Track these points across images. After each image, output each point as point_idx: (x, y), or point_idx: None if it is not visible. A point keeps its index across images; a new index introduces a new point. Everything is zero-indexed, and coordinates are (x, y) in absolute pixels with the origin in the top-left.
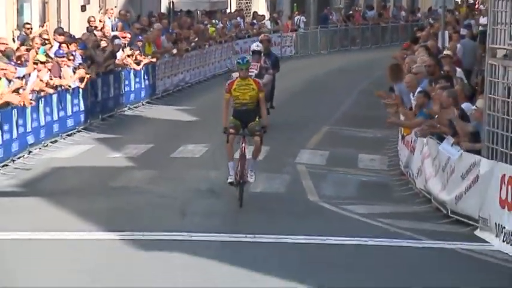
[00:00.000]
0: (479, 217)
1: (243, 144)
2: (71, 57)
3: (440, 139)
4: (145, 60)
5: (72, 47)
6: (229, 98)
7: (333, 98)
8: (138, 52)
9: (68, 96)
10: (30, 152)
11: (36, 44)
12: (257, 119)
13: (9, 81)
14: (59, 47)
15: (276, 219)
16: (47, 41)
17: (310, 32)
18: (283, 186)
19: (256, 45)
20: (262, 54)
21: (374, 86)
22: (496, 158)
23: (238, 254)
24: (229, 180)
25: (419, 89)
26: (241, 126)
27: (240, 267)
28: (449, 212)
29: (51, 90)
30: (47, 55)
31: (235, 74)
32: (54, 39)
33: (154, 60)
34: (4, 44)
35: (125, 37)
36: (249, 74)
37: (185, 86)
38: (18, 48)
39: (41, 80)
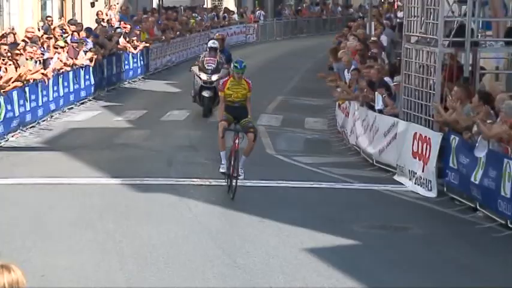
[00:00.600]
0: (397, 165)
1: (237, 141)
2: (84, 43)
3: (370, 107)
4: (141, 45)
5: (83, 34)
6: (222, 96)
7: (285, 74)
8: (135, 39)
9: (81, 73)
10: (52, 116)
11: (57, 32)
12: (249, 116)
13: (36, 61)
14: (72, 35)
15: (245, 174)
16: (64, 30)
17: (268, 23)
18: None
19: (212, 43)
20: (218, 50)
21: (317, 65)
22: (410, 120)
23: (213, 193)
24: (221, 170)
25: (352, 67)
26: (233, 122)
27: (215, 204)
28: (374, 161)
29: (68, 68)
30: (66, 41)
31: (195, 68)
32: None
33: (148, 45)
34: (31, 32)
35: (125, 27)
36: (207, 67)
37: (171, 65)
38: (42, 36)
39: (60, 61)
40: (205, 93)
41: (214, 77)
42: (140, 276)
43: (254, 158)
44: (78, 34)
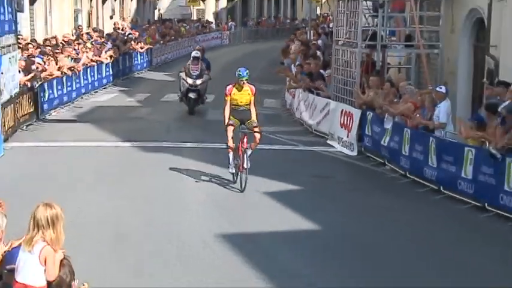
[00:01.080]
0: (329, 133)
1: (244, 140)
2: (105, 45)
3: (310, 91)
4: (146, 47)
5: (104, 39)
6: (228, 100)
7: (249, 67)
8: (142, 42)
9: (103, 67)
10: (82, 97)
11: (85, 37)
12: (251, 118)
13: (72, 59)
14: (96, 39)
15: (216, 135)
16: (91, 36)
17: (237, 31)
18: (220, 118)
19: (195, 53)
20: (199, 59)
21: (272, 61)
22: (338, 101)
23: (200, 152)
24: (230, 170)
25: (297, 62)
26: (239, 124)
27: (201, 161)
28: (313, 130)
29: (93, 63)
30: (92, 44)
31: (182, 74)
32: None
33: (151, 46)
34: (67, 37)
35: (135, 33)
36: (193, 73)
37: (169, 61)
38: (74, 40)
39: (88, 58)
40: (191, 95)
41: (199, 81)
42: (149, 212)
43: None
44: (101, 38)
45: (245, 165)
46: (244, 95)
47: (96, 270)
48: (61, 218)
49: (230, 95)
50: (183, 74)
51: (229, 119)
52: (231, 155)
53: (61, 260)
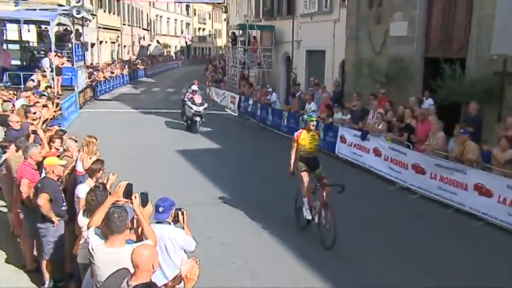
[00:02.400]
0: (225, 105)
1: (324, 194)
2: (124, 66)
3: (218, 83)
4: (143, 66)
5: (124, 63)
6: (296, 146)
7: (188, 79)
8: (142, 65)
9: (124, 75)
10: (114, 89)
11: (116, 62)
12: (320, 167)
13: (111, 73)
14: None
15: (175, 106)
16: (119, 60)
17: (185, 60)
18: (178, 98)
19: (195, 87)
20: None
21: (200, 74)
22: (229, 91)
23: (166, 114)
24: (306, 216)
25: (210, 74)
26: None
27: (166, 117)
28: (218, 104)
29: (120, 73)
30: (118, 65)
31: (188, 102)
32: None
33: (146, 67)
34: (107, 63)
35: (138, 61)
36: (197, 102)
37: (154, 74)
38: (111, 63)
39: (118, 72)
40: (197, 119)
41: (201, 108)
42: (144, 139)
43: (179, 103)
44: (122, 63)
45: (330, 220)
46: (313, 141)
47: (115, 167)
48: (94, 143)
49: (298, 140)
50: (189, 103)
51: (296, 165)
52: (305, 200)
53: (96, 160)
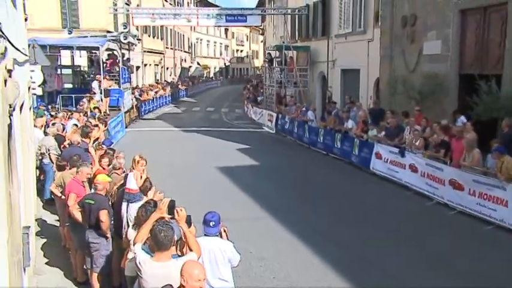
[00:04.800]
0: (263, 123)
1: None
2: (167, 87)
3: (256, 102)
4: (185, 87)
5: (167, 84)
6: None
7: (228, 96)
8: (184, 85)
9: (167, 96)
10: (158, 109)
11: (160, 84)
12: None
13: (155, 92)
14: (165, 84)
15: (215, 124)
16: (163, 82)
17: (224, 80)
18: (218, 117)
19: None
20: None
21: (239, 93)
22: (266, 109)
23: (206, 132)
24: None
25: (248, 95)
26: None
27: (206, 135)
28: (255, 121)
29: (163, 94)
30: (162, 86)
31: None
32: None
33: (187, 87)
34: (151, 84)
35: (179, 82)
36: None
37: (195, 93)
38: (154, 85)
39: (162, 92)
40: None
41: None
42: (185, 156)
43: (219, 121)
44: (165, 84)
45: None
46: None
47: (157, 183)
48: (139, 162)
49: None
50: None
51: None
52: None
53: (146, 178)
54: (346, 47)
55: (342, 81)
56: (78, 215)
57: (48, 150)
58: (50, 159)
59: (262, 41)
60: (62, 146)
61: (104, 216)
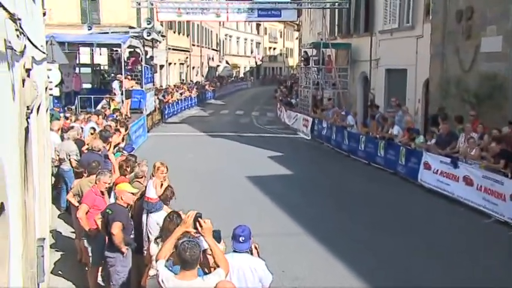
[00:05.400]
0: (297, 128)
1: None
2: (193, 88)
3: (290, 105)
4: (212, 88)
5: (193, 85)
6: None
7: (259, 98)
8: (211, 86)
9: (193, 98)
10: (183, 111)
11: (185, 84)
12: None
13: (181, 94)
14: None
15: (245, 129)
16: (189, 83)
17: (254, 81)
18: (248, 121)
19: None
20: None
21: (270, 95)
22: (302, 113)
23: (235, 137)
24: None
25: (280, 97)
26: None
27: (235, 141)
28: (289, 126)
29: (188, 95)
30: (187, 87)
31: None
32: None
33: (214, 88)
34: (176, 84)
35: (207, 83)
36: None
37: (223, 95)
38: (179, 85)
39: (187, 93)
40: None
41: None
42: (210, 161)
43: (249, 126)
44: (190, 85)
45: None
46: None
47: (181, 192)
48: (159, 169)
49: None
50: None
51: None
52: None
53: (167, 186)
54: (392, 45)
55: (386, 82)
56: (84, 224)
57: (69, 155)
58: (71, 165)
59: (297, 38)
60: (80, 151)
61: (116, 228)
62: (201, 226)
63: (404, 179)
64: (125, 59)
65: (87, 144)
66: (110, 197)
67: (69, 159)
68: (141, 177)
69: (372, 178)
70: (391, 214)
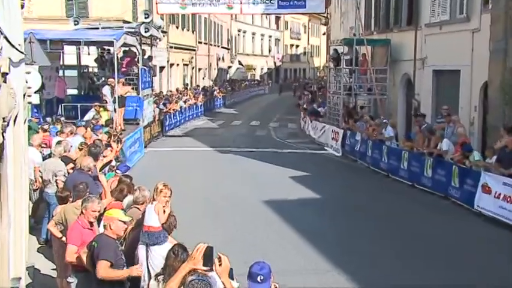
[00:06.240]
0: (325, 142)
1: None
2: (199, 94)
3: (316, 114)
4: (222, 94)
5: (200, 90)
6: None
7: (278, 106)
8: (221, 92)
9: (199, 106)
10: (187, 122)
11: (189, 90)
12: None
13: (184, 102)
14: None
15: (261, 144)
16: (188, 89)
17: (273, 86)
18: (265, 133)
19: None
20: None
21: (292, 103)
22: (330, 125)
23: (250, 153)
24: None
25: (304, 105)
26: None
27: (249, 157)
28: (315, 140)
29: (193, 103)
30: (194, 94)
31: None
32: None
33: (225, 94)
34: (178, 90)
35: (216, 88)
36: None
37: (235, 102)
38: (182, 91)
39: (193, 100)
40: None
41: None
42: (220, 183)
43: (267, 140)
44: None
45: None
46: None
47: (188, 221)
48: (161, 191)
49: None
50: None
51: None
52: None
53: (169, 213)
54: (442, 41)
55: (434, 86)
56: (72, 259)
57: (55, 175)
58: (58, 187)
59: (325, 34)
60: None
61: (102, 271)
62: (220, 264)
63: (458, 204)
64: (118, 60)
65: (75, 162)
66: (99, 225)
67: (56, 181)
68: (142, 204)
69: (417, 203)
70: (442, 248)
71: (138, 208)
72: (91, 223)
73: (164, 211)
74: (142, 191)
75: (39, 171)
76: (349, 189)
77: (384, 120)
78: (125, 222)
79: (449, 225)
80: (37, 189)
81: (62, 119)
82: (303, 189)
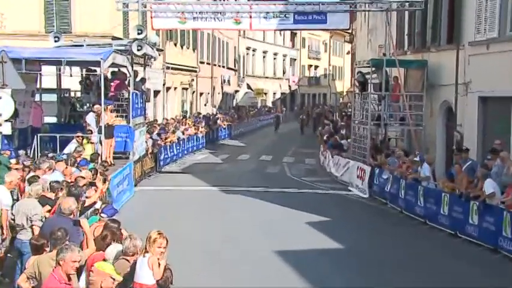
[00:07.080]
0: (349, 182)
1: None
2: (202, 124)
3: (338, 148)
4: (228, 123)
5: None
6: None
7: (294, 136)
8: (225, 121)
9: (200, 137)
10: (185, 157)
11: (188, 119)
12: None
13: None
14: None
15: (273, 182)
16: (186, 118)
17: (287, 113)
18: (278, 170)
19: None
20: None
21: (309, 134)
22: (355, 160)
23: (259, 194)
24: None
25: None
26: None
27: (259, 199)
28: (337, 179)
29: (193, 134)
30: (194, 124)
31: None
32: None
33: (231, 123)
34: (174, 118)
35: (220, 116)
36: None
37: (243, 133)
38: (180, 120)
39: (193, 131)
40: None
41: None
42: (226, 231)
43: (280, 178)
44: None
45: None
46: None
47: (187, 276)
48: (155, 241)
49: None
50: None
51: None
52: None
53: (164, 266)
54: (489, 62)
55: (480, 116)
56: None
57: (31, 220)
58: (33, 234)
59: (349, 53)
60: None
61: None
62: None
63: (511, 258)
64: (106, 83)
65: (53, 204)
66: (79, 279)
67: (31, 226)
68: (132, 255)
69: (461, 256)
70: None
71: (127, 260)
72: (69, 277)
73: (159, 264)
74: (134, 240)
75: (12, 214)
76: (378, 239)
77: (419, 156)
78: (114, 279)
79: (500, 282)
80: (5, 238)
81: (50, 154)
82: (322, 237)
